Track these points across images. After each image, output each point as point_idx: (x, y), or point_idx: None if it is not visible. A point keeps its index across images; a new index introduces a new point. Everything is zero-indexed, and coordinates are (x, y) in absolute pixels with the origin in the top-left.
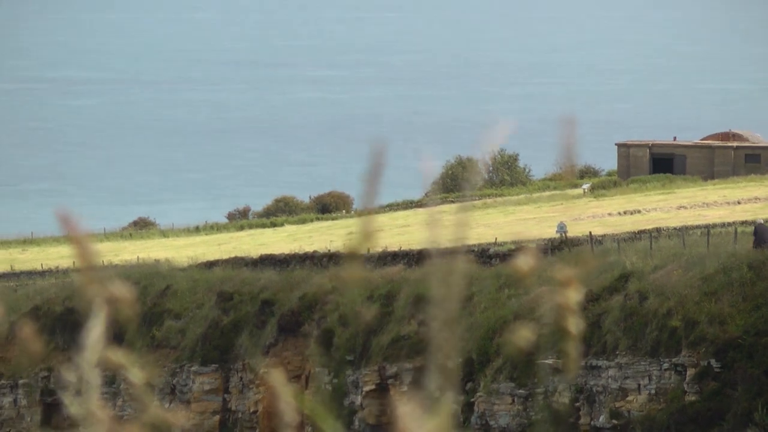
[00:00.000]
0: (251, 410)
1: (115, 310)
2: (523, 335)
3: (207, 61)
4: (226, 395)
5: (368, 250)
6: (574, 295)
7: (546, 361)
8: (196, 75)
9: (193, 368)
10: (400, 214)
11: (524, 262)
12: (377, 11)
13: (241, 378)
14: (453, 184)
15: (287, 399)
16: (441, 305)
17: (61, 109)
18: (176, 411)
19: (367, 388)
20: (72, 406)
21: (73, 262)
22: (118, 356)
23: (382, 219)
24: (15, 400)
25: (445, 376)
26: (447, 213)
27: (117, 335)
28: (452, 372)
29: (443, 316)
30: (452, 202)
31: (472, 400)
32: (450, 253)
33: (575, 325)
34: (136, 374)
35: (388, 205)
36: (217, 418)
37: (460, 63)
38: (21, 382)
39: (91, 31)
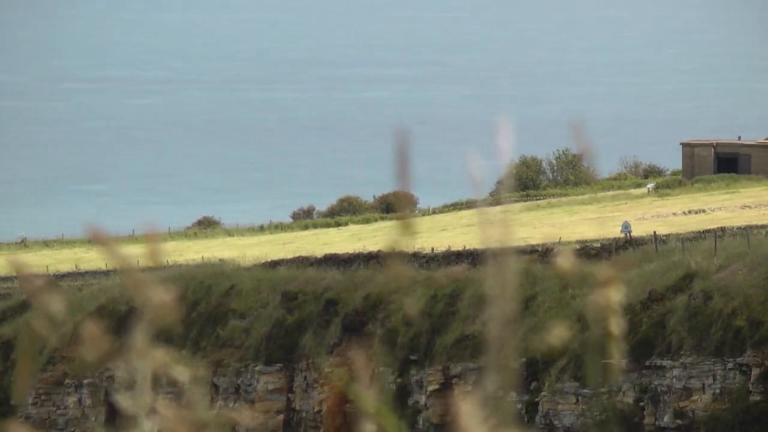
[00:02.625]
0: (315, 409)
1: (159, 313)
2: (557, 335)
3: (270, 60)
4: (290, 394)
5: (411, 247)
6: (614, 296)
7: (610, 361)
8: (260, 74)
9: (257, 368)
10: (465, 213)
11: (565, 261)
12: (439, 11)
13: (306, 377)
14: (518, 184)
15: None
16: (497, 305)
17: (125, 109)
18: (240, 410)
19: (431, 388)
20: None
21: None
22: (163, 356)
23: (447, 219)
24: (80, 400)
25: (508, 375)
26: (510, 213)
27: (166, 336)
28: (515, 371)
29: (500, 316)
30: (516, 201)
31: (537, 399)
32: (501, 253)
33: (617, 325)
34: (181, 372)
35: (452, 205)
36: (281, 417)
37: (522, 63)
38: (85, 381)
39: (154, 31)
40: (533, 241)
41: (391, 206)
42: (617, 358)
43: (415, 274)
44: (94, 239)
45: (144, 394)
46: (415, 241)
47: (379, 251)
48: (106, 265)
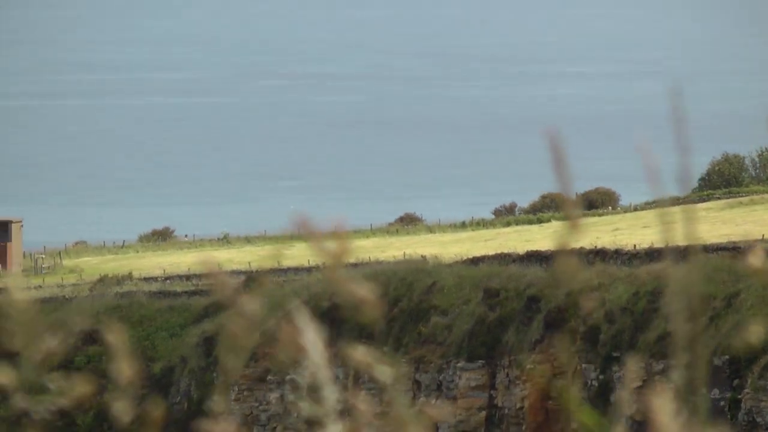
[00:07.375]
0: (517, 406)
1: (360, 311)
2: (755, 332)
3: (462, 56)
4: (492, 391)
5: (577, 244)
6: None
7: None
8: (453, 72)
9: (459, 364)
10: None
11: (756, 260)
12: (631, 8)
13: (508, 374)
14: (720, 181)
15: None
16: (683, 302)
17: (319, 105)
18: (442, 407)
19: (633, 385)
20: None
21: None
22: (363, 354)
23: (650, 215)
24: (282, 396)
25: (706, 372)
26: (712, 210)
27: (368, 333)
28: (718, 369)
29: (686, 314)
30: (718, 198)
31: (739, 396)
32: (685, 251)
33: None
34: (383, 372)
35: (654, 202)
36: (483, 414)
37: (713, 59)
38: (288, 378)
39: (348, 28)
40: (735, 238)
41: (593, 203)
42: None
43: (616, 272)
44: (301, 229)
45: (330, 399)
46: (581, 240)
47: (581, 247)
48: (308, 261)
